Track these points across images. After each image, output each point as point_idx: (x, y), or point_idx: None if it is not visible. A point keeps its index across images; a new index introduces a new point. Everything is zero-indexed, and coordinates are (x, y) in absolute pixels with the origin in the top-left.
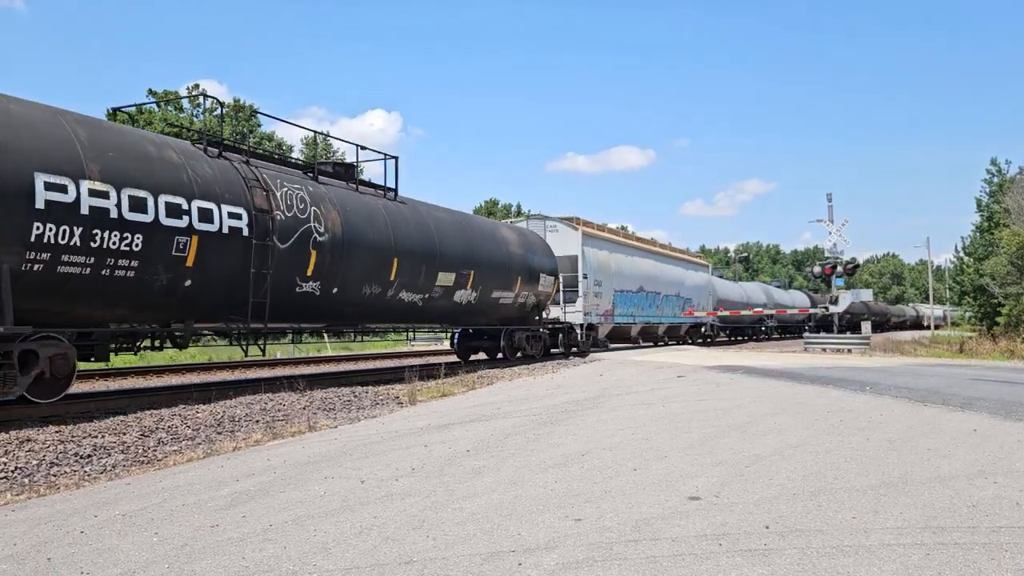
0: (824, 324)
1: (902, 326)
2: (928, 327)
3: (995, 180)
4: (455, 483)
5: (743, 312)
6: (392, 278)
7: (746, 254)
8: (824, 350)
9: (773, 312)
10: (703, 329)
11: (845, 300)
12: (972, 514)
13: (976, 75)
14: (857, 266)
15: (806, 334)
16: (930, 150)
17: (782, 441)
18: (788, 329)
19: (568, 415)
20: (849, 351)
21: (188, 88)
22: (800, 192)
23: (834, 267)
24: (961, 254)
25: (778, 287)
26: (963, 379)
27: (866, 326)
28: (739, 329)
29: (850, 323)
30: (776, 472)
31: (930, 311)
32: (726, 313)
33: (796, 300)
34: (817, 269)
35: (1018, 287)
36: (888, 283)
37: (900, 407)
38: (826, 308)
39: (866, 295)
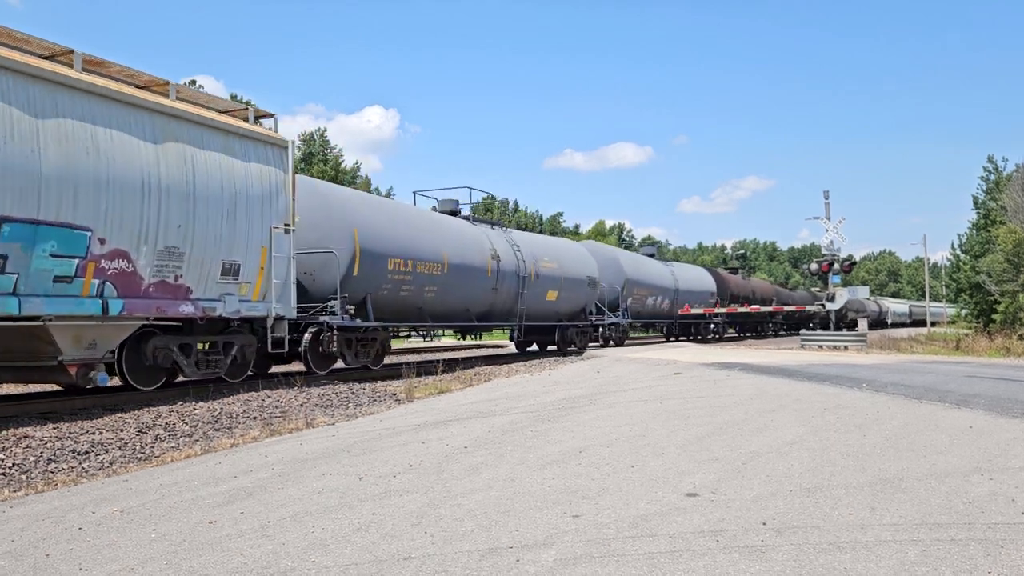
0: (744, 324)
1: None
2: (891, 324)
3: (992, 178)
4: (453, 480)
5: (450, 307)
6: None
7: (743, 251)
8: (821, 347)
9: (617, 299)
10: (320, 343)
11: (842, 297)
12: (968, 511)
13: (974, 73)
14: (854, 263)
15: (803, 331)
16: (928, 148)
17: (779, 438)
18: (657, 328)
19: (565, 412)
20: (846, 348)
21: (185, 83)
22: (798, 189)
23: (831, 264)
24: (958, 251)
25: (650, 255)
26: (959, 376)
27: (862, 323)
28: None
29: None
30: (773, 469)
31: (894, 306)
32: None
33: (692, 280)
34: (814, 266)
35: (1014, 284)
36: (885, 280)
37: (897, 404)
38: (822, 305)
39: (863, 292)
